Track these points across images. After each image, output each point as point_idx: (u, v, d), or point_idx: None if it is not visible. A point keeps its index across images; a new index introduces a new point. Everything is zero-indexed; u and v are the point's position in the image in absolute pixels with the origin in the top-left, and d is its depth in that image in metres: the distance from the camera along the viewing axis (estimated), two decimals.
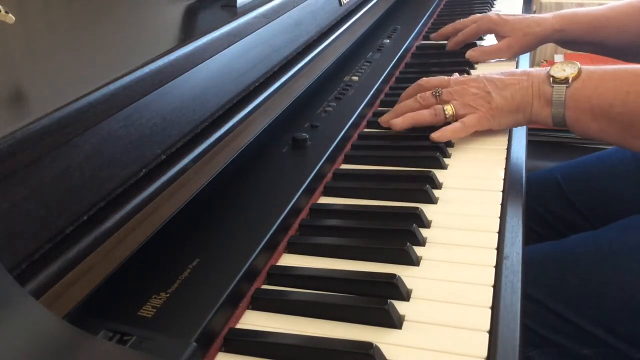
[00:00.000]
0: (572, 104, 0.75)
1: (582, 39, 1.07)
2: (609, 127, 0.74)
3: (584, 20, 1.05)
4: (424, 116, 0.79)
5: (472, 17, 1.14)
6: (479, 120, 0.78)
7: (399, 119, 0.80)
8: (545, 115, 0.77)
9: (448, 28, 1.16)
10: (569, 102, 0.75)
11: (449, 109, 0.78)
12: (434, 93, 0.80)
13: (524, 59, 1.11)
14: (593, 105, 0.74)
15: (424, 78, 0.84)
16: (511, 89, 0.78)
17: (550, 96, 0.76)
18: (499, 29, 1.07)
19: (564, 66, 0.76)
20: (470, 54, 1.07)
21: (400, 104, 0.84)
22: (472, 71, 1.03)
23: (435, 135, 0.77)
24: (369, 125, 0.85)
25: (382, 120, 0.83)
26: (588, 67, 0.76)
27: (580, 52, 1.15)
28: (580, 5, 1.84)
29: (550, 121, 0.77)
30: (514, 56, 1.07)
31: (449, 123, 0.79)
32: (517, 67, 1.06)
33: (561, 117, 0.76)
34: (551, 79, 0.76)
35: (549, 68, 0.77)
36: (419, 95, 0.82)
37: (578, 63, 0.76)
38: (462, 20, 1.15)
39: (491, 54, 1.07)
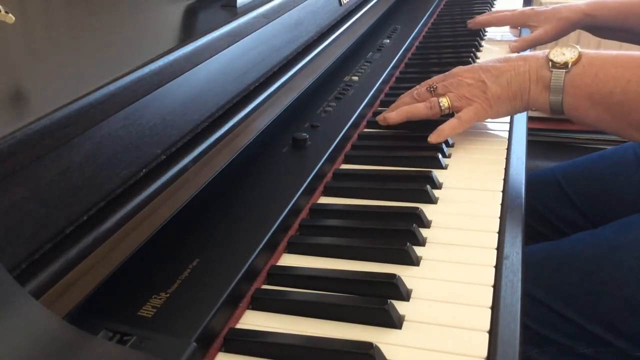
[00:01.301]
0: (570, 90, 0.73)
1: (610, 25, 1.09)
2: (607, 115, 0.72)
3: (612, 6, 1.08)
4: (419, 109, 0.79)
5: (508, 10, 1.21)
6: (475, 112, 0.77)
7: (394, 112, 0.80)
8: (543, 101, 0.75)
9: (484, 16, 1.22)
10: (567, 88, 0.73)
11: (444, 101, 0.78)
12: (428, 88, 0.80)
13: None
14: (592, 92, 0.72)
15: (422, 82, 0.84)
16: (507, 76, 0.76)
17: (548, 81, 0.74)
18: (532, 20, 1.14)
19: (563, 50, 0.74)
20: (514, 45, 1.14)
21: (396, 101, 0.84)
22: None
23: (433, 137, 0.76)
24: (369, 125, 0.85)
25: (378, 117, 0.83)
26: (588, 52, 0.74)
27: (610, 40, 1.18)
28: None
29: (547, 107, 0.75)
30: (551, 41, 1.13)
31: (445, 116, 0.78)
32: None
33: (559, 104, 0.74)
34: (550, 63, 0.74)
35: (547, 51, 0.76)
36: (415, 92, 0.82)
37: (578, 47, 0.74)
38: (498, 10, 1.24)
39: (532, 42, 1.13)
